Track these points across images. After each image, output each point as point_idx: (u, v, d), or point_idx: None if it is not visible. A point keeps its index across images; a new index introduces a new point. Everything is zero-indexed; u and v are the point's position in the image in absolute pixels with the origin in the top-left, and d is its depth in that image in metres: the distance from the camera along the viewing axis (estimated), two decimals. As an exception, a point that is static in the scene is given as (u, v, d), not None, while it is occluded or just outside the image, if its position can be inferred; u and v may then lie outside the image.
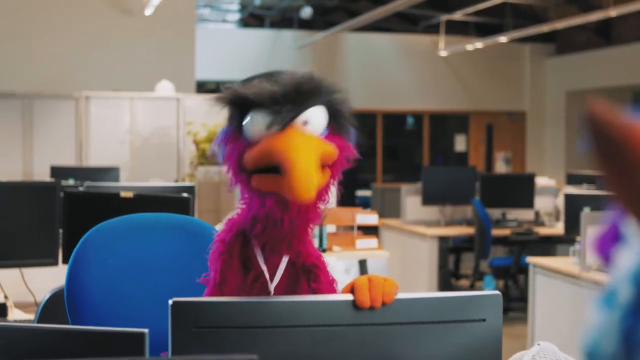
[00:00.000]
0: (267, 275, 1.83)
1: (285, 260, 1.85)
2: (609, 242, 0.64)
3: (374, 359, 1.63)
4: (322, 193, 1.76)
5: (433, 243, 8.37)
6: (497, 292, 1.71)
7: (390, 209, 10.68)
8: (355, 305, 1.62)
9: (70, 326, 1.66)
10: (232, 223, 1.85)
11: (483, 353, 1.69)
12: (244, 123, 1.75)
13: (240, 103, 1.76)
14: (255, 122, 1.73)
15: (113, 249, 2.38)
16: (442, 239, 8.44)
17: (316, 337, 1.60)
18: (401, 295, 1.66)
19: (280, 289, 1.85)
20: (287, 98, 1.72)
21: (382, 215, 10.31)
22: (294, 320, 1.60)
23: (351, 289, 1.66)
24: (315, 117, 1.76)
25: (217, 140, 1.82)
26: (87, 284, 2.32)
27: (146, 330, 1.50)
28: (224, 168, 1.80)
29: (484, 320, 1.68)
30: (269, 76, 1.78)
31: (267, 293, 1.83)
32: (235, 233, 1.83)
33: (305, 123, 1.73)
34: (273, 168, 1.68)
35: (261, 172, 1.71)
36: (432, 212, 9.04)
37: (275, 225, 1.76)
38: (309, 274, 1.86)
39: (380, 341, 1.63)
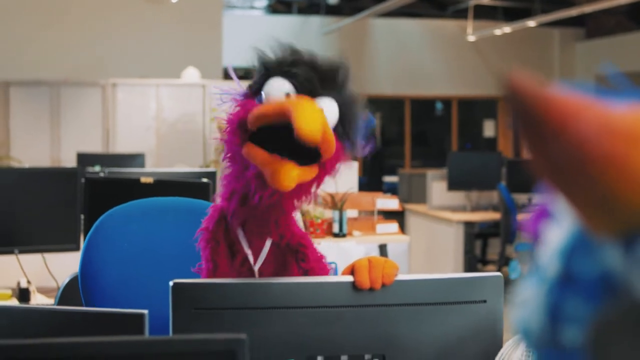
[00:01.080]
0: (251, 259, 1.84)
1: (268, 243, 1.85)
2: (538, 220, 0.64)
3: (373, 340, 1.64)
4: (305, 188, 1.75)
5: (459, 228, 8.36)
6: (498, 273, 1.72)
7: (416, 194, 10.64)
8: (355, 286, 1.64)
9: (72, 307, 1.69)
10: (214, 209, 1.86)
11: (484, 334, 1.70)
12: (264, 85, 1.75)
13: (268, 67, 1.77)
14: (274, 87, 1.73)
15: (126, 232, 2.40)
16: (468, 225, 8.42)
17: (316, 318, 1.61)
18: (401, 277, 1.67)
19: (268, 272, 1.85)
20: (312, 77, 1.73)
21: (408, 200, 10.31)
22: (294, 302, 1.61)
23: (351, 271, 1.67)
24: (328, 107, 1.75)
25: (228, 94, 1.82)
26: (100, 267, 2.34)
27: (146, 312, 1.52)
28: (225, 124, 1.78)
29: (485, 301, 1.69)
30: (305, 54, 1.79)
31: (253, 276, 1.84)
32: (218, 219, 1.84)
33: None
34: (272, 136, 1.68)
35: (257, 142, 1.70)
36: (458, 197, 9.02)
37: (251, 202, 1.76)
38: (297, 254, 1.87)
39: (380, 322, 1.64)
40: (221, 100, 1.82)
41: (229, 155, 1.77)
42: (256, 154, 1.68)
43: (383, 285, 1.64)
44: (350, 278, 1.64)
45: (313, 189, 1.76)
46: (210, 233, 1.83)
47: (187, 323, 1.56)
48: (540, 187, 0.62)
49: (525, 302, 0.63)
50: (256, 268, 1.83)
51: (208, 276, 1.79)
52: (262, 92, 1.75)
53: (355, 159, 1.84)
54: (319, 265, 1.87)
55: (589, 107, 0.55)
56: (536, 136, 0.56)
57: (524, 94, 0.55)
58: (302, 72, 1.73)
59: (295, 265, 1.87)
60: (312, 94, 1.72)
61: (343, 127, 1.78)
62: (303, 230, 1.91)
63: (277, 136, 1.64)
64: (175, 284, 1.56)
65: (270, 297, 1.60)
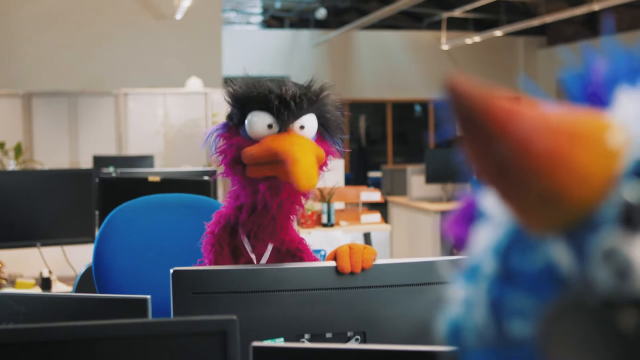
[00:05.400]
0: (255, 262, 1.83)
1: (270, 248, 1.84)
2: (464, 222, 0.60)
3: (355, 319, 1.63)
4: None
5: (436, 217, 8.34)
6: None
7: (398, 187, 10.63)
8: (337, 271, 1.63)
9: (85, 294, 1.68)
10: (220, 216, 1.84)
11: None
12: (246, 121, 1.73)
13: (243, 102, 1.74)
14: (256, 122, 1.71)
15: (134, 225, 2.39)
16: (445, 214, 8.40)
17: (303, 300, 1.60)
18: (379, 261, 1.66)
19: None
20: (287, 103, 1.71)
21: (391, 193, 10.31)
22: (282, 285, 1.60)
23: (334, 257, 1.66)
24: (309, 123, 1.75)
25: (212, 133, 1.81)
26: (111, 257, 2.33)
27: (148, 297, 1.51)
28: (218, 159, 1.79)
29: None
30: (270, 82, 1.76)
31: None
32: (224, 225, 1.82)
33: (302, 127, 1.73)
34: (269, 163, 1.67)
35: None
36: (435, 189, 9.01)
37: (260, 212, 1.76)
38: (294, 258, 1.86)
39: (360, 303, 1.63)
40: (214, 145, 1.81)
41: (236, 185, 1.78)
42: (263, 169, 1.68)
43: (363, 269, 1.63)
44: (333, 263, 1.63)
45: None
46: (215, 237, 1.81)
47: (187, 306, 1.55)
48: (464, 190, 0.58)
49: (458, 301, 0.58)
50: None
51: None
52: (245, 126, 1.73)
53: (342, 154, 1.85)
54: None
55: (530, 108, 0.52)
56: (478, 137, 0.52)
57: (465, 97, 0.52)
58: (277, 102, 1.70)
59: None
60: (291, 119, 1.71)
61: (327, 130, 1.80)
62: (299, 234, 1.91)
63: None
64: (175, 271, 1.55)
65: (261, 281, 1.59)
